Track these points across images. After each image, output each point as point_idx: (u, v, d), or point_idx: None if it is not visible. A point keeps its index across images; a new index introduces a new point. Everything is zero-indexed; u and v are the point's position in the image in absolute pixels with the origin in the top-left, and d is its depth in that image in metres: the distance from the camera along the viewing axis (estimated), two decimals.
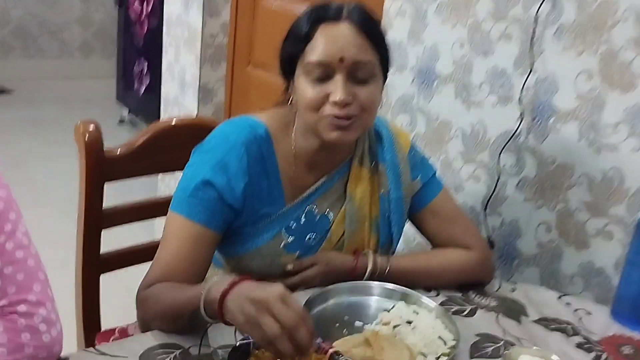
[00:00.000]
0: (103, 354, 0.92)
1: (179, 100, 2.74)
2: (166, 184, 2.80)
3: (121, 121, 4.58)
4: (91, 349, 0.93)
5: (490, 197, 1.51)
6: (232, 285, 0.87)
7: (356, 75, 1.07)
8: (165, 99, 2.87)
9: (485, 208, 1.52)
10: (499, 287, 1.26)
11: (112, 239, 1.41)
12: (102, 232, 1.36)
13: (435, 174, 1.29)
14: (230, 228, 1.14)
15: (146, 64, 4.01)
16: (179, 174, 1.17)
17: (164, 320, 0.99)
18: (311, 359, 0.91)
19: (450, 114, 1.61)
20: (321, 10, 1.09)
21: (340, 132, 1.09)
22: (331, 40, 1.06)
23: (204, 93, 2.58)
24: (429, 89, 1.66)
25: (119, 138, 1.39)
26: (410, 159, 1.26)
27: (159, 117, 2.92)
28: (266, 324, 0.80)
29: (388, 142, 1.25)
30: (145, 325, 1.04)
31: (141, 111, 4.21)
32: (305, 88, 1.09)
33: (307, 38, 1.07)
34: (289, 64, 1.12)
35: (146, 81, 4.04)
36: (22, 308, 0.83)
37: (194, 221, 1.07)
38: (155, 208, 1.44)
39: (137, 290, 1.06)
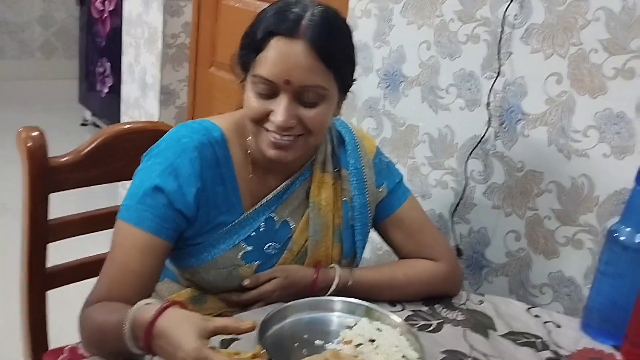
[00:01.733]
0: None
1: (140, 102, 2.65)
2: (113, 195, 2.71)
3: (84, 124, 4.45)
4: None
5: (458, 204, 1.46)
6: (158, 314, 0.80)
7: (303, 98, 1.00)
8: (126, 101, 2.78)
9: (453, 215, 1.48)
10: (467, 300, 1.21)
11: (62, 252, 1.33)
12: (49, 246, 1.27)
13: (401, 180, 1.24)
14: (184, 238, 1.07)
15: (109, 64, 3.89)
16: (127, 185, 1.09)
17: (98, 346, 0.91)
18: None
19: (418, 118, 1.56)
20: (278, 20, 0.99)
21: (279, 151, 1.03)
22: (280, 60, 0.97)
23: (166, 95, 2.50)
24: (395, 92, 1.61)
25: (81, 141, 1.31)
26: (375, 165, 1.20)
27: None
28: None
29: (352, 147, 1.19)
30: (87, 350, 0.96)
31: (104, 113, 4.09)
32: (249, 98, 1.02)
33: (259, 48, 0.99)
34: (242, 62, 1.05)
35: (109, 82, 3.92)
36: None
37: (142, 229, 1.00)
38: (107, 219, 1.36)
39: (81, 309, 0.98)
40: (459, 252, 1.45)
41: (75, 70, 4.61)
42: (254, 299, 1.11)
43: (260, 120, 1.02)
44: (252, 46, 1.01)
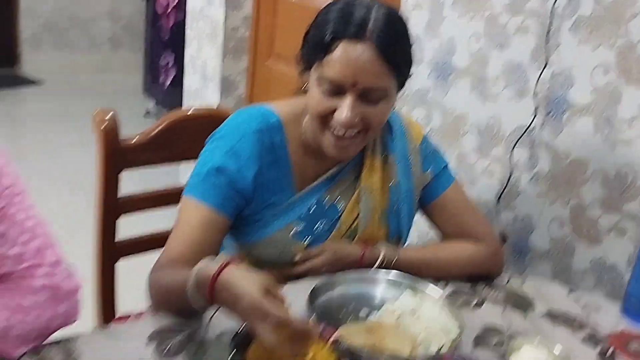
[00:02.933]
0: (111, 335, 0.95)
1: (201, 93, 2.78)
2: (187, 173, 2.83)
3: (147, 113, 4.64)
4: (99, 329, 0.95)
5: (503, 191, 1.50)
6: (221, 269, 0.89)
7: (367, 97, 1.06)
8: (188, 92, 2.91)
9: (498, 203, 1.52)
10: (508, 281, 1.25)
11: (131, 227, 1.44)
12: (119, 220, 1.39)
13: (446, 166, 1.29)
14: (241, 216, 1.16)
15: (172, 57, 4.06)
16: (191, 165, 1.19)
17: (165, 304, 1.01)
18: (312, 347, 0.92)
19: (466, 107, 1.61)
20: (344, 23, 1.03)
21: (339, 150, 1.11)
22: (347, 63, 1.03)
23: (226, 86, 2.61)
24: (444, 83, 1.66)
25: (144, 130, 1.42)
26: (421, 151, 1.26)
27: None
28: (257, 327, 0.83)
29: (399, 134, 1.25)
30: (154, 309, 1.06)
31: (167, 104, 4.26)
32: (315, 94, 1.09)
33: (326, 49, 1.05)
34: (306, 60, 1.12)
35: (172, 74, 4.09)
36: (40, 271, 0.88)
37: (206, 204, 1.09)
38: (172, 196, 1.47)
39: (148, 275, 1.08)
40: (503, 238, 1.50)
41: (139, 63, 4.82)
42: (304, 273, 1.19)
43: (325, 117, 1.09)
44: (318, 47, 1.07)
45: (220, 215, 1.10)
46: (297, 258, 1.19)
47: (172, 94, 4.03)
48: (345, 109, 1.05)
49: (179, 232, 1.10)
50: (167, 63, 4.14)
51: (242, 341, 0.92)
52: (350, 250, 1.20)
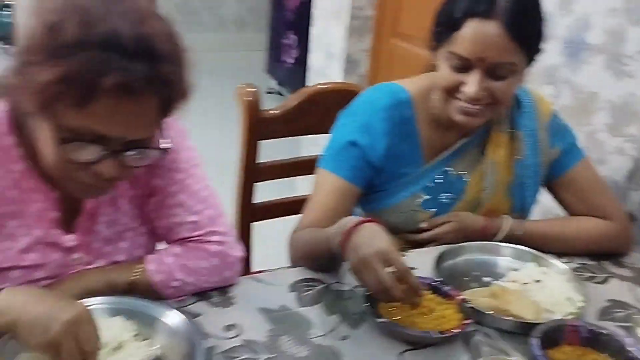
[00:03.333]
0: (259, 280, 1.07)
1: (324, 71, 2.88)
2: (318, 144, 2.91)
3: (269, 92, 4.84)
4: (250, 276, 1.07)
5: (636, 171, 1.47)
6: (365, 221, 0.97)
7: (494, 72, 1.10)
8: (312, 70, 3.02)
9: (630, 182, 1.49)
10: (637, 259, 1.24)
11: (267, 192, 1.57)
12: (257, 185, 1.52)
13: (575, 142, 1.29)
14: (371, 185, 1.24)
15: (295, 37, 4.20)
16: (321, 137, 1.29)
17: (306, 259, 1.12)
18: (440, 306, 0.99)
19: (598, 85, 1.58)
20: (474, 1, 1.08)
21: (467, 118, 1.14)
22: (475, 39, 1.07)
23: (349, 64, 2.69)
24: (575, 60, 1.63)
25: (267, 107, 1.53)
26: (550, 127, 1.28)
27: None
28: (368, 281, 0.92)
29: (528, 109, 1.27)
30: (295, 264, 1.17)
31: (289, 82, 4.43)
32: (443, 70, 1.14)
33: (455, 27, 1.10)
34: (437, 37, 1.17)
35: (294, 53, 4.24)
36: (214, 238, 1.00)
37: (340, 176, 1.19)
38: (305, 166, 1.58)
39: (289, 235, 1.19)
40: (632, 218, 1.46)
41: (263, 43, 5.01)
42: (429, 240, 1.25)
43: (452, 90, 1.14)
44: (448, 24, 1.12)
45: (352, 186, 1.20)
46: (423, 225, 1.25)
47: (294, 73, 4.18)
48: (472, 83, 1.10)
49: (315, 201, 1.20)
50: (290, 43, 4.29)
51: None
52: (474, 221, 1.24)
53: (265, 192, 1.58)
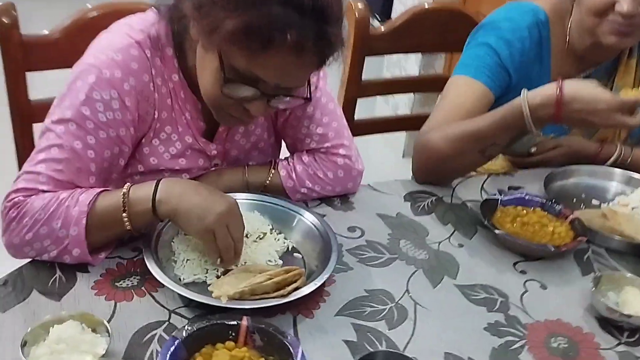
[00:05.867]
0: (375, 189, 1.13)
1: None
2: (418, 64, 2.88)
3: None
4: (366, 185, 1.13)
5: None
6: (560, 86, 1.01)
7: None
8: None
9: None
10: None
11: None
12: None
13: None
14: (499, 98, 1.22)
15: None
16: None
17: (465, 150, 1.09)
18: (552, 223, 1.03)
19: None
20: None
21: (620, 38, 1.12)
22: None
23: None
24: None
25: None
26: None
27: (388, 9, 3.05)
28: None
29: None
30: (418, 172, 1.17)
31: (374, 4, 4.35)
32: None
33: None
34: None
35: None
36: (341, 151, 1.06)
37: (478, 80, 1.18)
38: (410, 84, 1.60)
39: (417, 137, 1.18)
40: None
41: None
42: (539, 163, 1.27)
43: (603, 13, 1.11)
44: None
45: (489, 91, 1.18)
46: (532, 150, 1.27)
47: None
48: (625, 1, 1.07)
49: (449, 101, 1.18)
50: None
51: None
52: (585, 147, 1.25)
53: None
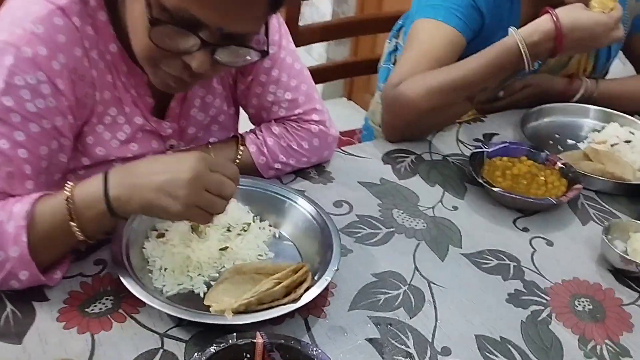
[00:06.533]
0: (349, 154, 1.03)
1: None
2: None
3: None
4: (338, 150, 1.03)
5: None
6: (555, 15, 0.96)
7: None
8: None
9: None
10: None
11: None
12: None
13: None
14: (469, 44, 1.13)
15: None
16: None
17: (443, 97, 1.00)
18: (543, 172, 0.98)
19: None
20: None
21: None
22: None
23: None
24: None
25: None
26: None
27: None
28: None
29: None
30: (392, 129, 1.08)
31: None
32: None
33: None
34: None
35: None
36: (314, 116, 0.93)
37: (449, 24, 1.08)
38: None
39: (383, 92, 1.08)
40: None
41: None
42: (506, 107, 1.21)
43: None
44: None
45: (461, 36, 1.08)
46: (501, 94, 1.20)
47: None
48: None
49: (419, 52, 1.07)
50: None
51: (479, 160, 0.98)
52: (553, 84, 1.20)
53: None
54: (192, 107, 0.89)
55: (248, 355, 0.63)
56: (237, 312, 0.67)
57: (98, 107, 0.80)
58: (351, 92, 2.83)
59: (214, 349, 0.62)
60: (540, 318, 0.76)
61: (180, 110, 0.88)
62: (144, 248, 0.77)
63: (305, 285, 0.70)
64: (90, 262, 0.77)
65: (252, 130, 0.94)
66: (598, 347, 0.73)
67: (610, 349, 0.73)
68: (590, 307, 0.78)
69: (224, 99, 0.93)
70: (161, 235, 0.79)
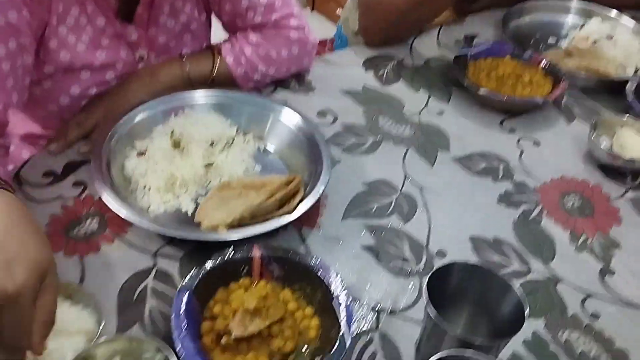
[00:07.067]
0: (328, 62, 0.99)
1: None
2: None
3: None
4: (317, 58, 0.98)
5: None
6: None
7: None
8: None
9: None
10: None
11: None
12: None
13: None
14: None
15: None
16: None
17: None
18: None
19: None
20: None
21: None
22: None
23: None
24: None
25: None
26: None
27: None
28: None
29: None
30: (372, 32, 1.03)
31: None
32: None
33: None
34: None
35: None
36: (292, 22, 0.88)
37: None
38: None
39: None
40: None
41: None
42: (484, 7, 1.17)
43: None
44: None
45: None
46: None
47: None
48: None
49: None
50: None
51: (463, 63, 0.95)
52: None
53: None
54: (160, 14, 0.83)
55: (246, 269, 0.62)
56: (231, 226, 0.65)
57: (58, 5, 0.74)
58: (315, 1, 2.73)
59: (211, 264, 0.61)
60: (531, 217, 0.76)
61: (148, 16, 0.82)
62: (124, 167, 0.74)
63: (298, 197, 0.69)
64: (68, 183, 0.73)
65: (227, 40, 0.89)
66: (589, 241, 0.74)
67: (601, 242, 0.74)
68: (580, 203, 0.79)
69: (195, 5, 0.87)
70: (142, 154, 0.75)
